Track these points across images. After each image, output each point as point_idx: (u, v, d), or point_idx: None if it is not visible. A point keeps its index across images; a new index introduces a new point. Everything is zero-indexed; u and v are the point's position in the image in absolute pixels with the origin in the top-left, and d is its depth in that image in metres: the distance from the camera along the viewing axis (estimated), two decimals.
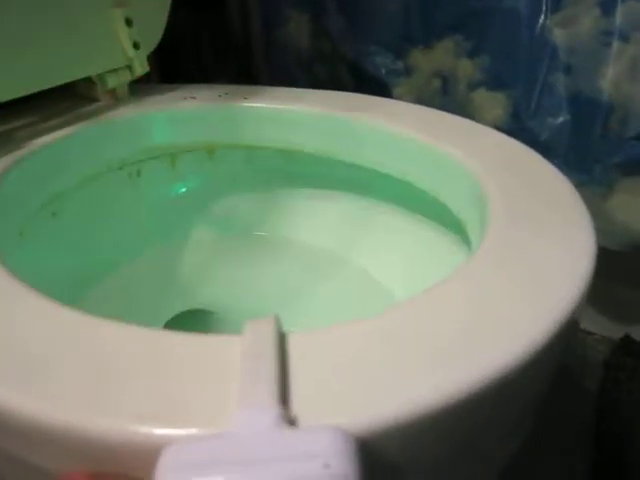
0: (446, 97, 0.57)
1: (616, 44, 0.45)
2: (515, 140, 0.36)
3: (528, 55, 0.50)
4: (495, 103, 0.52)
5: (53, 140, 0.38)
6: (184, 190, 0.48)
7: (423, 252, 0.43)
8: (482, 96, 0.53)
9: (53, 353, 0.19)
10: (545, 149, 0.50)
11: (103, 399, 0.17)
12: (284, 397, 0.16)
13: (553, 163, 0.50)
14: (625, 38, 0.44)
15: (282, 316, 0.50)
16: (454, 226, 0.38)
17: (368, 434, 0.16)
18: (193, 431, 0.15)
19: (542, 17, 0.49)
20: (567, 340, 0.22)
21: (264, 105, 0.43)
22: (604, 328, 0.63)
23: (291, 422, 0.15)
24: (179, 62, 0.65)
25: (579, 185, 0.48)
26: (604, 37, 0.45)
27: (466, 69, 0.54)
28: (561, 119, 0.49)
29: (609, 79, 0.45)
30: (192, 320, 0.47)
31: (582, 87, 0.47)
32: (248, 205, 0.50)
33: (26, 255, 0.36)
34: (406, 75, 0.59)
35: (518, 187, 0.30)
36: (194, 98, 0.44)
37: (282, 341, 0.19)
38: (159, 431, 0.15)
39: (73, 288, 0.43)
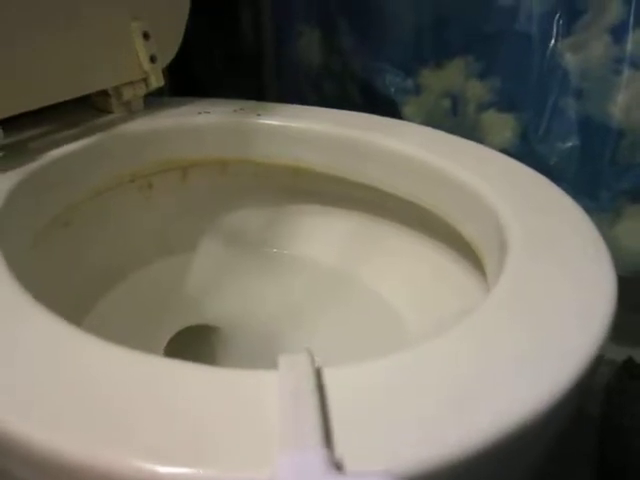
0: (456, 118, 0.57)
1: (627, 71, 0.45)
2: (527, 167, 0.36)
3: (538, 78, 0.50)
4: (504, 125, 0.53)
5: (67, 152, 0.38)
6: (194, 203, 0.48)
7: (431, 274, 0.43)
8: (491, 118, 0.54)
9: (65, 381, 0.19)
10: (553, 174, 0.51)
11: (138, 439, 0.17)
12: (328, 439, 0.16)
13: (560, 188, 0.51)
14: (636, 65, 0.45)
15: (288, 335, 0.49)
16: (463, 249, 0.39)
17: (413, 478, 0.16)
18: (238, 475, 0.15)
19: (553, 41, 0.49)
20: (583, 389, 0.22)
21: (277, 122, 0.43)
22: (606, 350, 0.63)
23: (338, 466, 0.15)
24: (191, 75, 0.65)
25: (586, 211, 0.49)
26: (615, 64, 0.46)
27: (476, 90, 0.54)
28: (570, 144, 0.49)
29: (619, 106, 0.46)
30: (197, 335, 0.47)
31: (592, 112, 0.48)
32: (257, 220, 0.50)
33: (39, 264, 0.36)
34: (416, 94, 0.59)
35: (536, 218, 0.30)
36: (208, 113, 0.44)
37: (319, 378, 0.19)
38: (203, 474, 0.15)
39: (83, 297, 0.42)
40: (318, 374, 0.19)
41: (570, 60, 0.48)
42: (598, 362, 0.22)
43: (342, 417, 0.17)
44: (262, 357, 0.45)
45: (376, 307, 0.44)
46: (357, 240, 0.47)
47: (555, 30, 0.49)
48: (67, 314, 0.41)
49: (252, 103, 0.46)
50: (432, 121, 0.59)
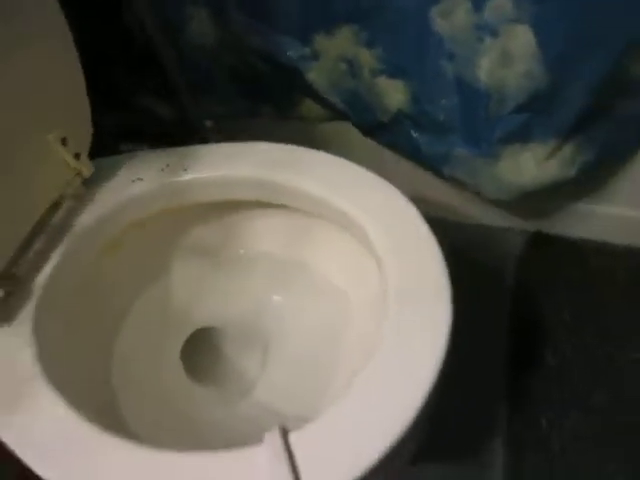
0: (354, 80, 0.62)
1: (487, 38, 0.50)
2: (402, 197, 0.45)
3: (418, 45, 0.54)
4: (396, 89, 0.59)
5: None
6: (157, 239, 0.57)
7: (359, 251, 0.54)
8: (384, 83, 0.59)
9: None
10: (445, 127, 0.59)
11: None
12: None
13: (452, 139, 0.59)
14: (494, 32, 0.50)
15: (267, 322, 0.62)
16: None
17: None
18: None
19: (426, 8, 0.52)
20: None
21: (204, 175, 0.51)
22: (519, 223, 0.77)
23: None
24: (106, 86, 0.66)
25: (473, 157, 0.59)
26: (477, 32, 0.50)
27: (366, 58, 0.58)
28: (452, 102, 0.56)
29: (484, 69, 0.52)
30: (203, 335, 0.59)
31: (464, 74, 0.54)
32: (214, 232, 0.59)
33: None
34: (314, 59, 0.63)
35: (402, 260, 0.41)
36: (141, 179, 0.51)
37: (289, 451, 0.33)
38: None
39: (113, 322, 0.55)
40: (287, 444, 0.33)
41: (441, 25, 0.52)
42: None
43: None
44: (253, 343, 0.59)
45: (328, 289, 0.57)
46: (297, 233, 0.58)
47: None
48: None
49: (177, 155, 0.52)
50: (335, 83, 0.64)
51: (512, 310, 0.72)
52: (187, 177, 0.51)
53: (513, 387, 0.62)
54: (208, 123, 0.76)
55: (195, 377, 0.57)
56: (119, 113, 0.71)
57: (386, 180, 0.46)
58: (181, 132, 0.72)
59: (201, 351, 0.59)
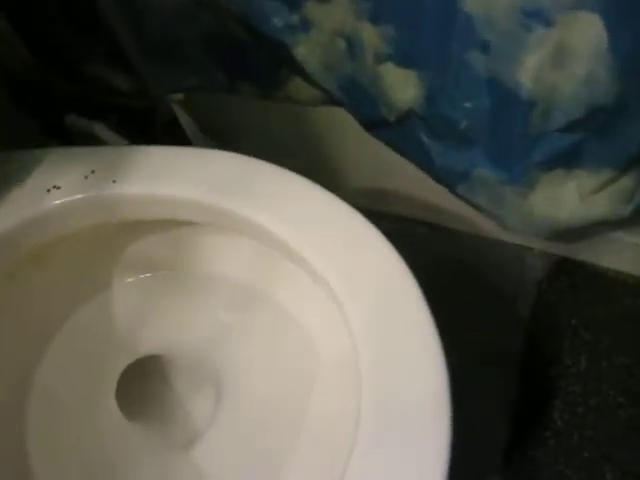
0: (355, 62, 0.48)
1: (539, 28, 0.36)
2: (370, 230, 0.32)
3: (438, 26, 0.40)
4: (406, 81, 0.44)
5: None
6: (92, 251, 0.46)
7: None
8: (392, 72, 0.45)
9: None
10: (465, 139, 0.45)
11: None
12: None
13: (474, 154, 0.45)
14: (548, 21, 0.35)
15: (218, 351, 0.51)
16: None
17: None
18: None
19: None
20: None
21: (136, 191, 0.38)
22: (543, 244, 0.64)
23: None
24: (51, 52, 0.53)
25: (499, 182, 0.45)
26: (525, 18, 0.36)
27: (370, 37, 0.44)
28: (480, 105, 0.42)
29: (530, 69, 0.38)
30: (145, 365, 0.50)
31: (501, 72, 0.39)
32: (161, 247, 0.48)
33: None
34: (304, 31, 0.48)
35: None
36: (58, 188, 0.38)
37: None
38: None
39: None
40: None
41: (474, 4, 0.38)
42: None
43: None
44: (203, 373, 0.49)
45: (287, 322, 0.46)
46: (261, 258, 0.46)
47: None
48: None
49: (106, 158, 0.39)
50: (328, 64, 0.50)
51: (523, 351, 0.60)
52: (115, 191, 0.38)
53: (512, 461, 0.52)
54: (177, 97, 0.62)
55: (132, 416, 0.47)
56: (65, 82, 0.57)
57: (367, 220, 0.34)
58: (140, 106, 0.58)
59: (141, 385, 0.49)
